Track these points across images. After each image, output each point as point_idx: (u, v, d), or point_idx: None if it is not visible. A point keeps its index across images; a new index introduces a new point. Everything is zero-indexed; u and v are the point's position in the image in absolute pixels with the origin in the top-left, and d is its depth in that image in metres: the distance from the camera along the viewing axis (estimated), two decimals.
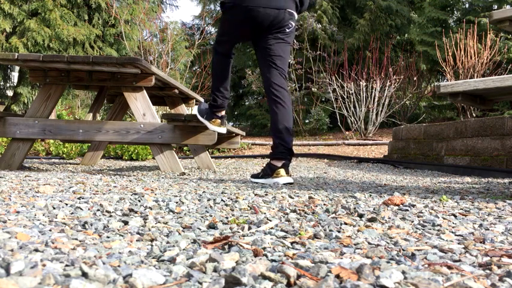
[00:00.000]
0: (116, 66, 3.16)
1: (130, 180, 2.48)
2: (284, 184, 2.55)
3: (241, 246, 0.88)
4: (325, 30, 11.26)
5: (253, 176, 2.74)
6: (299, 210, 1.39)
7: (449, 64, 7.77)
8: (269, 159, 2.70)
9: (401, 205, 1.51)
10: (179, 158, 6.55)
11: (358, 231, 1.08)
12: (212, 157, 6.91)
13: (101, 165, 4.79)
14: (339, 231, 1.06)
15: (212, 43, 15.00)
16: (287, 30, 2.69)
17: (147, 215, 1.24)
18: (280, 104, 2.71)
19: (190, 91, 4.33)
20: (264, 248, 0.87)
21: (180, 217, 1.25)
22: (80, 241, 0.91)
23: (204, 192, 1.89)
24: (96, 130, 3.37)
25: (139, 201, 1.53)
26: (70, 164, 5.01)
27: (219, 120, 2.94)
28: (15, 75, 10.46)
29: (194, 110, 6.57)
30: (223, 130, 2.99)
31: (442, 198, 1.73)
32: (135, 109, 3.39)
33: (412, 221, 1.23)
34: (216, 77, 2.85)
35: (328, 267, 0.71)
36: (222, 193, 1.86)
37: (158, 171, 3.49)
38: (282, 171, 2.60)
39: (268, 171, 2.63)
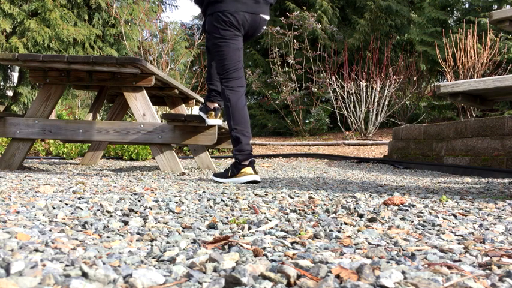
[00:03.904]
0: (116, 66, 3.16)
1: (130, 180, 2.48)
2: (249, 182, 2.61)
3: (241, 246, 0.88)
4: (325, 30, 11.26)
5: (216, 175, 2.80)
6: (299, 210, 1.39)
7: (449, 64, 7.77)
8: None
9: (401, 205, 1.51)
10: (179, 158, 6.55)
11: (358, 231, 1.08)
12: (212, 157, 6.91)
13: (101, 165, 4.79)
14: (339, 231, 1.06)
15: None
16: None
17: (147, 215, 1.24)
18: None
19: (190, 91, 4.33)
20: (264, 248, 0.87)
21: (180, 217, 1.24)
22: (80, 241, 0.91)
23: (204, 192, 1.89)
24: (96, 130, 3.37)
25: (139, 201, 1.53)
26: (70, 164, 5.01)
27: (212, 112, 3.04)
28: (15, 75, 10.46)
29: (194, 110, 6.57)
30: (218, 122, 3.09)
31: (442, 198, 1.73)
32: (135, 109, 3.39)
33: (412, 221, 1.23)
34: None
35: (328, 267, 0.71)
36: (222, 193, 1.86)
37: (158, 171, 3.49)
38: (249, 169, 2.65)
39: (235, 171, 2.67)
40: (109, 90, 4.20)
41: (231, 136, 2.71)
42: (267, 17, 2.83)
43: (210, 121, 3.08)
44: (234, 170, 2.64)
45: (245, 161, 2.65)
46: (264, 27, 2.87)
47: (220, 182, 2.61)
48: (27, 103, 9.30)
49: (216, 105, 3.05)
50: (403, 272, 0.69)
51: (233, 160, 2.73)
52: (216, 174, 2.72)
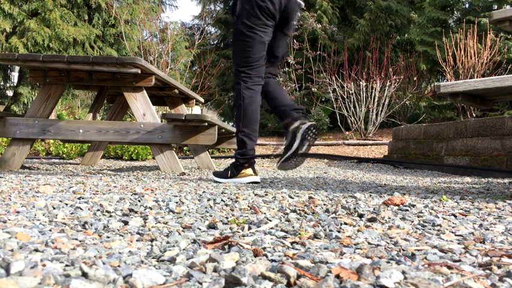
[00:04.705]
0: (116, 66, 3.16)
1: (130, 180, 2.48)
2: (250, 183, 2.56)
3: (241, 246, 0.88)
4: (325, 30, 11.26)
5: (216, 174, 2.72)
6: (299, 210, 1.39)
7: (449, 64, 7.77)
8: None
9: (401, 205, 1.51)
10: (179, 158, 6.55)
11: (358, 231, 1.08)
12: (212, 157, 6.91)
13: (101, 165, 4.79)
14: (339, 231, 1.06)
15: (212, 43, 15.01)
16: None
17: (147, 215, 1.24)
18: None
19: (190, 91, 4.33)
20: (264, 248, 0.87)
21: (180, 217, 1.24)
22: (80, 241, 0.91)
23: (204, 192, 1.89)
24: (96, 130, 3.37)
25: (139, 201, 1.53)
26: (70, 164, 5.01)
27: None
28: (15, 75, 10.46)
29: (194, 110, 6.57)
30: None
31: (442, 198, 1.73)
32: (135, 109, 3.39)
33: (412, 221, 1.23)
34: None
35: (328, 267, 0.71)
36: (222, 193, 1.86)
37: (158, 171, 3.49)
38: (249, 170, 2.60)
39: (234, 171, 2.61)
40: (109, 90, 4.20)
41: (236, 137, 2.59)
42: (302, 3, 2.64)
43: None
44: (234, 171, 2.60)
45: (246, 163, 2.59)
46: (298, 14, 2.66)
47: (220, 182, 2.59)
48: (27, 103, 9.30)
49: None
50: (403, 272, 0.69)
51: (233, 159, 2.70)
52: (216, 174, 2.67)
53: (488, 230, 1.12)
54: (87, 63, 3.18)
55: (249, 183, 2.58)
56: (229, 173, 2.61)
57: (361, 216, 1.29)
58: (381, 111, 8.81)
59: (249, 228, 1.09)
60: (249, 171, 2.60)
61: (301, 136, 2.52)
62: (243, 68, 2.54)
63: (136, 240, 0.95)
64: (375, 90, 8.74)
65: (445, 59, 7.89)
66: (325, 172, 4.14)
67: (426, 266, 0.76)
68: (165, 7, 14.36)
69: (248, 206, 1.46)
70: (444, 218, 1.28)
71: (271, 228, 1.10)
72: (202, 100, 4.79)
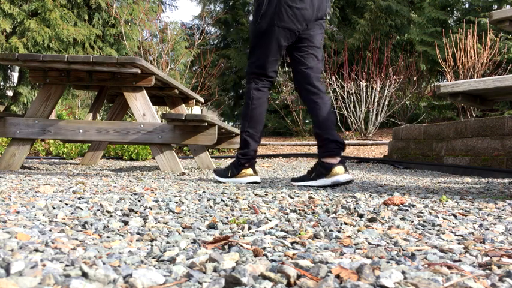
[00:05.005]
0: (116, 66, 3.16)
1: (130, 180, 2.48)
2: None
3: (241, 246, 0.88)
4: (325, 30, 11.26)
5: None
6: (299, 210, 1.39)
7: (449, 64, 7.77)
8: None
9: (401, 205, 1.51)
10: (179, 158, 6.55)
11: (358, 231, 1.08)
12: (212, 157, 6.91)
13: (101, 165, 4.79)
14: (339, 231, 1.06)
15: (212, 43, 15.01)
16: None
17: (147, 215, 1.24)
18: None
19: (190, 91, 4.33)
20: (264, 248, 0.87)
21: (180, 217, 1.24)
22: (80, 241, 0.91)
23: (204, 192, 1.89)
24: (96, 130, 3.37)
25: (139, 201, 1.53)
26: (70, 164, 5.01)
27: (341, 167, 2.42)
28: (15, 75, 10.46)
29: (194, 110, 6.56)
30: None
31: (442, 198, 1.73)
32: (135, 109, 3.39)
33: (412, 221, 1.23)
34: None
35: (328, 267, 0.71)
36: (222, 193, 1.86)
37: (158, 171, 3.49)
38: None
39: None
40: (109, 90, 4.20)
41: (240, 136, 2.55)
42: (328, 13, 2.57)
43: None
44: (234, 170, 2.56)
45: (247, 163, 2.56)
46: (329, 11, 2.55)
47: (220, 182, 2.58)
48: (27, 103, 9.30)
49: (338, 158, 2.44)
50: (403, 272, 0.69)
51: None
52: (216, 172, 2.63)
53: (488, 230, 1.12)
54: (87, 63, 3.18)
55: (249, 183, 2.56)
56: (229, 173, 2.58)
57: (361, 216, 1.29)
58: (381, 111, 8.82)
59: (249, 228, 1.09)
60: (250, 171, 2.57)
61: (330, 183, 2.37)
62: (257, 68, 2.51)
63: (136, 240, 0.95)
64: (375, 90, 8.74)
65: (445, 59, 7.89)
66: None
67: (426, 266, 0.76)
68: (165, 7, 14.36)
69: (248, 206, 1.46)
70: (444, 218, 1.28)
71: (271, 228, 1.10)
72: (202, 100, 4.79)
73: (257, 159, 6.88)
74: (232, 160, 2.66)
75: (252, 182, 2.58)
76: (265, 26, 2.42)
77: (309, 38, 2.51)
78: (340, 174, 2.36)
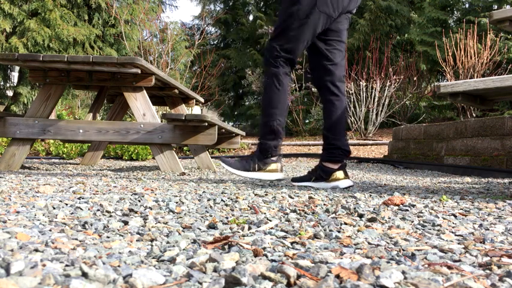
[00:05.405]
0: (116, 66, 3.16)
1: (130, 180, 2.48)
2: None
3: (241, 246, 0.88)
4: None
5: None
6: (299, 210, 1.39)
7: (449, 64, 7.77)
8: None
9: (401, 205, 1.51)
10: (179, 158, 6.55)
11: (358, 231, 1.08)
12: (212, 157, 6.91)
13: (101, 165, 4.79)
14: (339, 231, 1.06)
15: (212, 43, 15.02)
16: None
17: (147, 215, 1.24)
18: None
19: (190, 91, 4.33)
20: (264, 248, 0.87)
21: (180, 217, 1.24)
22: (80, 241, 0.91)
23: (204, 192, 1.89)
24: (96, 130, 3.37)
25: (139, 201, 1.53)
26: (70, 164, 5.01)
27: (341, 172, 2.33)
28: (15, 75, 10.46)
29: (194, 110, 6.56)
30: (350, 183, 2.37)
31: (442, 198, 1.73)
32: (135, 109, 3.39)
33: (412, 221, 1.23)
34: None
35: (328, 267, 0.71)
36: (222, 193, 1.86)
37: (158, 171, 3.49)
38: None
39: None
40: (109, 90, 4.20)
41: (268, 126, 2.27)
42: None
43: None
44: (260, 164, 2.29)
45: (274, 157, 2.31)
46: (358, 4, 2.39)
47: (240, 175, 2.32)
48: (27, 103, 9.30)
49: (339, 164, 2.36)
50: (403, 272, 0.69)
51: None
52: (232, 164, 2.33)
53: (488, 230, 1.12)
54: (87, 63, 3.18)
55: (274, 180, 2.35)
56: (251, 166, 2.31)
57: (361, 216, 1.29)
58: (381, 111, 8.82)
59: (249, 228, 1.09)
60: (277, 166, 2.32)
61: (331, 187, 2.30)
62: (286, 52, 2.26)
63: (136, 240, 0.95)
64: (375, 90, 8.74)
65: (445, 59, 7.89)
66: None
67: (426, 266, 0.76)
68: (165, 7, 14.37)
69: (248, 206, 1.46)
70: (444, 218, 1.28)
71: (271, 228, 1.10)
72: (202, 100, 4.79)
73: None
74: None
75: (277, 180, 2.38)
76: (306, 7, 2.20)
77: (337, 31, 2.35)
78: (341, 179, 2.32)
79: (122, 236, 0.99)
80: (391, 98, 9.05)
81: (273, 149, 2.31)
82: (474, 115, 7.67)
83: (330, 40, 2.35)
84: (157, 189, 2.00)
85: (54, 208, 1.32)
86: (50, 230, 1.00)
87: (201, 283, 0.65)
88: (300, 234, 1.03)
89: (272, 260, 0.79)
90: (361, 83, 8.72)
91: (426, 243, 0.95)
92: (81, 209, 1.31)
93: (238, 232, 1.05)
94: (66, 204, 1.39)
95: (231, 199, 1.63)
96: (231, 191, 1.98)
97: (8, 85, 10.18)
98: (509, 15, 1.91)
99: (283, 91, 2.27)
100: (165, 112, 6.29)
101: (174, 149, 5.47)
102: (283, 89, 2.27)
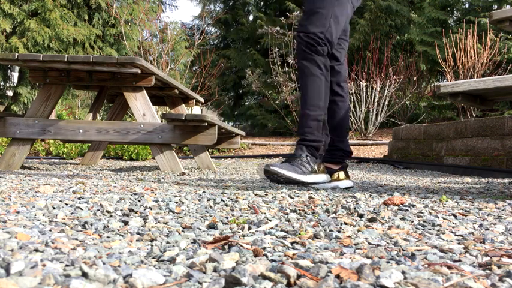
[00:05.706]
0: (116, 66, 3.16)
1: (130, 180, 2.48)
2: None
3: (241, 246, 0.88)
4: None
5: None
6: (299, 210, 1.39)
7: (449, 64, 7.77)
8: (323, 161, 2.29)
9: (401, 205, 1.51)
10: (179, 158, 6.54)
11: (358, 231, 1.08)
12: (212, 157, 6.91)
13: (101, 165, 4.79)
14: (339, 231, 1.06)
15: (212, 43, 15.01)
16: None
17: (147, 215, 1.24)
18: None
19: (190, 91, 4.33)
20: (264, 248, 0.87)
21: (180, 217, 1.24)
22: (80, 241, 0.91)
23: (204, 192, 1.89)
24: (96, 130, 3.37)
25: (139, 201, 1.53)
26: (70, 164, 5.01)
27: (342, 172, 2.26)
28: (15, 75, 10.46)
29: (194, 110, 6.57)
30: (350, 183, 2.29)
31: (442, 198, 1.73)
32: (135, 109, 3.39)
33: (412, 221, 1.23)
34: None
35: (328, 267, 0.71)
36: (222, 193, 1.86)
37: (158, 171, 3.49)
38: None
39: None
40: (109, 90, 4.20)
41: (314, 120, 2.07)
42: None
43: (335, 184, 2.26)
44: (313, 165, 2.08)
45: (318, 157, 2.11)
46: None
47: (298, 181, 2.07)
48: (27, 103, 9.30)
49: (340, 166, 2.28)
50: (403, 272, 0.69)
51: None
52: (282, 167, 2.06)
53: (488, 230, 1.12)
54: (87, 63, 3.18)
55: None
56: (304, 168, 2.08)
57: (361, 216, 1.29)
58: (381, 111, 8.82)
59: (249, 228, 1.09)
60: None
61: (331, 187, 2.20)
62: (327, 40, 2.09)
63: (136, 240, 0.95)
64: (375, 90, 8.74)
65: (445, 59, 7.89)
66: None
67: (426, 266, 0.76)
68: (165, 7, 14.37)
69: (248, 206, 1.46)
70: (444, 218, 1.28)
71: (271, 228, 1.10)
72: (202, 100, 4.79)
73: (257, 159, 6.88)
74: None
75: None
76: None
77: (345, 30, 2.26)
78: (341, 179, 2.27)
79: (122, 236, 0.99)
80: (391, 98, 9.05)
81: (324, 146, 2.15)
82: (474, 115, 7.67)
83: (339, 39, 2.27)
84: (157, 189, 2.00)
85: (54, 208, 1.32)
86: (50, 230, 1.00)
87: (201, 283, 0.65)
88: (300, 234, 1.03)
89: (272, 260, 0.79)
90: (361, 83, 8.72)
91: (426, 243, 0.95)
92: (81, 209, 1.31)
93: (238, 232, 1.05)
94: (66, 204, 1.39)
95: (231, 199, 1.63)
96: (231, 191, 1.98)
97: (8, 85, 10.18)
98: (509, 15, 1.91)
99: (327, 81, 2.11)
100: (165, 112, 6.29)
101: (174, 149, 5.47)
102: (327, 78, 2.11)
